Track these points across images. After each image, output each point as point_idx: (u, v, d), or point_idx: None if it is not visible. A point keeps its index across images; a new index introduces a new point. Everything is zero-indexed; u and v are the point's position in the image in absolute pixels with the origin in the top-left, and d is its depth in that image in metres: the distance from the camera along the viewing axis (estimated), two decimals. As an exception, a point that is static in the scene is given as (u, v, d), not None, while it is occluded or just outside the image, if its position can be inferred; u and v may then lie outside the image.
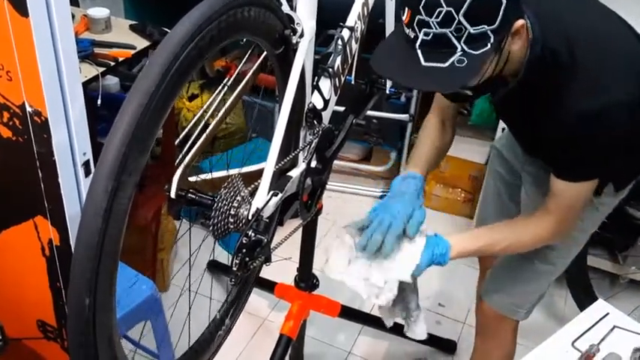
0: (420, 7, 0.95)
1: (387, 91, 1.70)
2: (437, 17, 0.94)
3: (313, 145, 1.20)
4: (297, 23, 1.08)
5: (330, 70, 1.30)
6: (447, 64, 0.97)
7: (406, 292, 1.25)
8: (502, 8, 0.95)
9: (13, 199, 1.16)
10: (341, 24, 1.34)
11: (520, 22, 1.01)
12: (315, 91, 1.27)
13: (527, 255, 1.42)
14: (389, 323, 1.31)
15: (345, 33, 1.33)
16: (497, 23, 0.96)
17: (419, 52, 0.98)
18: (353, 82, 1.61)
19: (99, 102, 1.75)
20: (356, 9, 1.40)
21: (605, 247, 2.20)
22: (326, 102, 1.28)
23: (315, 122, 1.24)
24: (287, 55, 1.10)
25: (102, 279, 0.72)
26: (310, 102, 1.25)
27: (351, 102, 1.54)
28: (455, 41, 0.96)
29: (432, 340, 2.05)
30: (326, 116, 1.30)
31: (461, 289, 2.30)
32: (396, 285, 1.18)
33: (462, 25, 0.94)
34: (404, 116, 2.55)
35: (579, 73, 1.07)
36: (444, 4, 0.93)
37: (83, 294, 0.72)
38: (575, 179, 1.17)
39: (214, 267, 2.17)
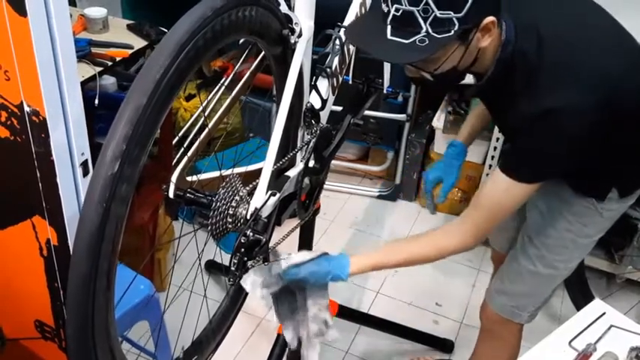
0: None
1: (385, 91, 1.71)
2: None
3: (311, 144, 1.21)
4: (296, 23, 1.09)
5: (328, 70, 1.31)
6: (408, 41, 1.01)
7: (299, 310, 1.20)
8: None
9: (11, 199, 1.16)
10: (339, 24, 1.35)
11: (490, 18, 1.03)
12: (313, 91, 1.27)
13: (530, 259, 1.42)
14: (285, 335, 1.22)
15: (343, 33, 1.33)
16: (464, 12, 0.99)
17: (388, 26, 1.02)
18: (350, 82, 1.62)
19: (96, 102, 1.75)
20: (354, 9, 1.41)
21: (602, 246, 2.21)
22: (324, 102, 1.29)
23: (313, 122, 1.25)
24: (285, 54, 1.10)
25: (100, 279, 0.72)
26: (308, 102, 1.25)
27: (348, 102, 1.55)
28: (421, 21, 0.99)
29: (430, 340, 2.06)
30: (324, 116, 1.30)
31: (458, 288, 2.31)
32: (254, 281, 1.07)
33: (429, 5, 0.98)
34: (401, 116, 2.55)
35: (540, 76, 1.10)
36: None
37: (81, 295, 0.72)
38: (511, 172, 1.16)
39: (212, 267, 2.18)
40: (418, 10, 0.98)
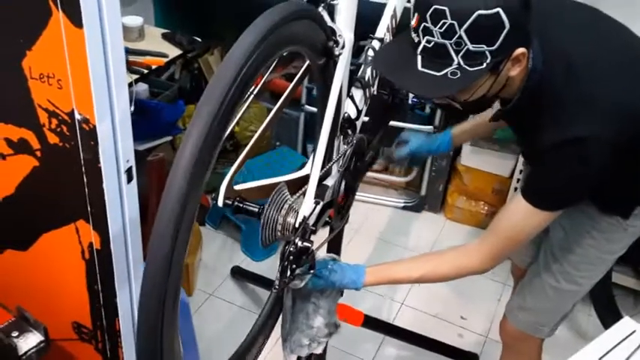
0: (427, 16, 0.98)
1: (410, 102, 1.71)
2: (440, 28, 0.97)
3: (348, 154, 1.22)
4: (339, 35, 1.11)
5: (362, 80, 1.32)
6: (440, 73, 1.00)
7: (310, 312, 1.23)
8: (504, 32, 0.97)
9: (56, 204, 1.19)
10: (371, 35, 1.37)
11: (521, 50, 1.02)
12: (349, 101, 1.29)
13: (553, 275, 1.41)
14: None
15: (375, 44, 1.35)
16: (496, 46, 0.98)
17: (419, 57, 1.01)
18: (375, 93, 1.63)
19: (132, 108, 1.78)
20: (385, 21, 1.43)
21: (630, 264, 2.19)
22: (359, 111, 1.30)
23: (350, 132, 1.26)
24: (328, 65, 1.12)
25: (172, 283, 0.74)
26: (345, 112, 1.27)
27: (373, 112, 1.55)
28: (453, 54, 0.98)
29: (454, 353, 2.05)
30: (358, 126, 1.31)
31: (483, 301, 2.30)
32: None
33: (462, 39, 0.97)
34: (428, 127, 2.55)
35: (565, 104, 1.09)
36: (448, 17, 0.96)
37: (156, 300, 0.74)
38: (531, 199, 1.16)
39: (238, 273, 2.19)
40: (451, 44, 0.97)
